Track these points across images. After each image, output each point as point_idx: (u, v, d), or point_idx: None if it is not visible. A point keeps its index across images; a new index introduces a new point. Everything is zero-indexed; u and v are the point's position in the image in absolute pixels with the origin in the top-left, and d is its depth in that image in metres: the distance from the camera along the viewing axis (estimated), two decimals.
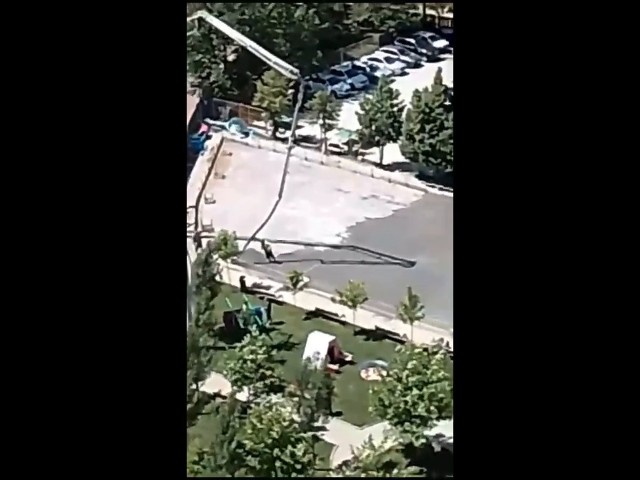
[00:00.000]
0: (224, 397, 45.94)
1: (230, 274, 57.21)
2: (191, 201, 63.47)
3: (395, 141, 70.71)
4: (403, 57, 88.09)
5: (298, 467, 41.01)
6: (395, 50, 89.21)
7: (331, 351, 50.81)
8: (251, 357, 46.71)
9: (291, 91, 72.57)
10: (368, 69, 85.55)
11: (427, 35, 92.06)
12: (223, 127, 75.96)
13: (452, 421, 45.00)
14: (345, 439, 44.62)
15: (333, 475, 41.79)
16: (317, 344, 50.55)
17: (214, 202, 66.82)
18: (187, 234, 55.53)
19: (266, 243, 60.53)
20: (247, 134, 75.44)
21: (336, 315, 54.49)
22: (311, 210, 66.15)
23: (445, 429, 44.73)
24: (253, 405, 44.92)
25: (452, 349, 50.66)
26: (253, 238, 60.15)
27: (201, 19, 69.30)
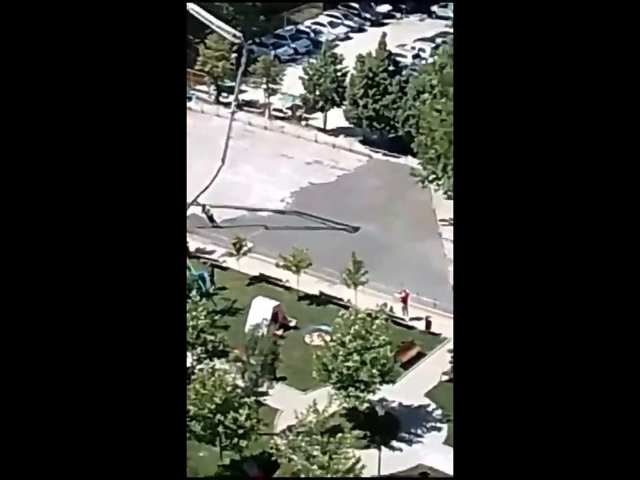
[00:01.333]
0: None
1: None
2: None
3: (338, 106, 70.65)
4: (346, 22, 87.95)
5: (241, 432, 41.09)
6: (338, 14, 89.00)
7: (275, 316, 50.82)
8: (192, 322, 46.53)
9: (234, 55, 72.10)
10: (312, 34, 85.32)
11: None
12: None
13: (394, 385, 45.66)
14: (289, 404, 44.75)
15: (279, 441, 41.88)
16: (261, 309, 50.55)
17: None
18: None
19: (207, 207, 60.25)
20: (189, 98, 74.79)
21: (280, 280, 54.51)
22: (255, 175, 65.94)
23: (388, 393, 45.10)
24: (196, 371, 44.81)
25: (394, 314, 51.16)
26: (194, 202, 59.77)
27: None
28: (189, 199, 59.82)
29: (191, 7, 62.68)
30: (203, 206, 60.17)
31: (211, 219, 60.29)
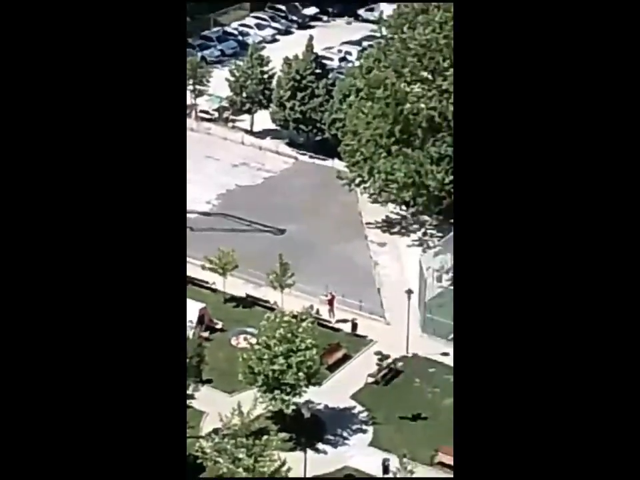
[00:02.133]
0: None
1: None
2: None
3: (265, 108, 70.65)
4: (273, 24, 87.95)
5: None
6: (265, 16, 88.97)
7: (201, 318, 50.71)
8: None
9: None
10: (238, 35, 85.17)
11: (298, 2, 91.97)
12: None
13: (320, 387, 45.81)
14: (215, 407, 44.64)
15: (205, 444, 41.77)
16: (187, 312, 50.33)
17: None
18: None
19: None
20: None
21: (206, 282, 54.35)
22: None
23: (314, 395, 45.21)
24: None
25: (321, 316, 51.31)
26: None
27: None
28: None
29: None
30: None
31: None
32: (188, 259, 55.84)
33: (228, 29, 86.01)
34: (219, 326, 51.57)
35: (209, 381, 47.16)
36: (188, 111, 72.82)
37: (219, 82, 72.58)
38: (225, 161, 68.12)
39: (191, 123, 71.68)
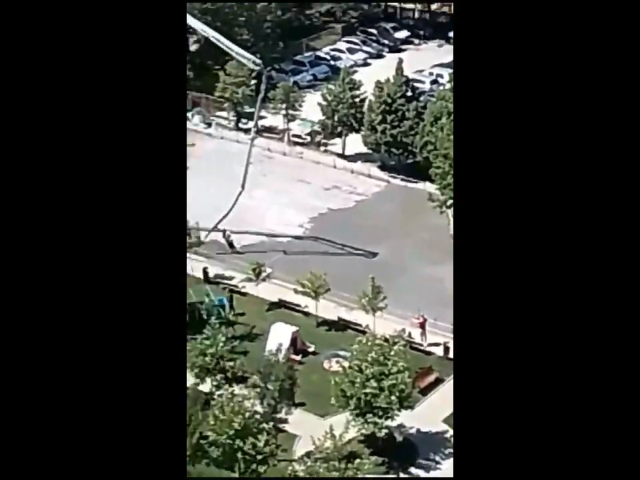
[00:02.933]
0: (187, 389, 46.02)
1: (192, 265, 57.25)
2: None
3: (357, 131, 70.95)
4: (365, 48, 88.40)
5: (260, 457, 41.20)
6: (357, 40, 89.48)
7: (293, 341, 51.03)
8: (211, 349, 46.84)
9: (253, 81, 72.63)
10: (330, 60, 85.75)
11: (389, 25, 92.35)
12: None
13: (413, 411, 45.74)
14: (307, 430, 44.85)
15: (297, 467, 41.99)
16: (279, 335, 50.75)
17: None
18: None
19: (227, 233, 60.61)
20: (209, 124, 75.43)
21: (299, 305, 54.70)
22: (274, 201, 66.29)
23: (406, 419, 45.16)
24: (215, 397, 45.03)
25: (413, 339, 51.27)
26: (215, 229, 60.22)
27: None
28: (209, 225, 60.29)
29: (212, 34, 63.38)
30: (224, 231, 60.56)
31: (230, 244, 60.64)
32: (281, 282, 56.67)
33: (320, 54, 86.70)
34: (312, 349, 51.84)
35: (301, 404, 47.41)
36: (280, 135, 73.63)
37: (311, 106, 73.19)
38: (316, 185, 68.59)
39: (283, 147, 72.43)
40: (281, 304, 55.28)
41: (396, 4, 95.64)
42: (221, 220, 60.16)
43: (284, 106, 72.92)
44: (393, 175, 68.82)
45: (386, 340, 45.11)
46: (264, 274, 56.02)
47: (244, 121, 74.78)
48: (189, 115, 75.73)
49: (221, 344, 47.31)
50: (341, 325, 53.60)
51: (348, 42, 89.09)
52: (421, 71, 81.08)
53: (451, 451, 45.41)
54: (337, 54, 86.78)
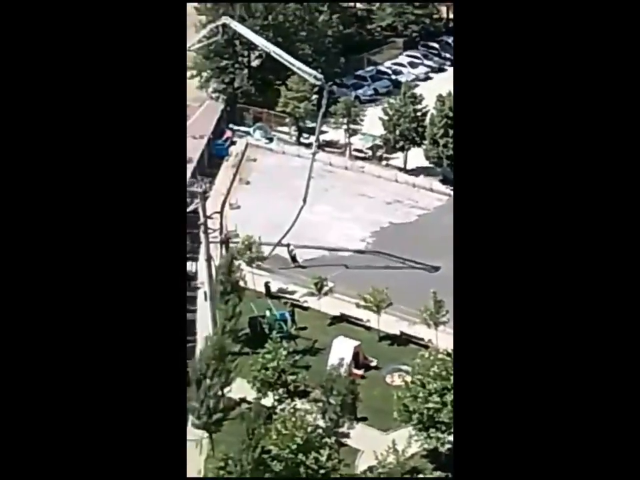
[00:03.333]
0: (249, 403, 46.11)
1: (255, 279, 57.37)
2: (215, 206, 63.72)
3: (418, 145, 70.72)
4: (426, 62, 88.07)
5: (322, 472, 41.10)
6: (418, 55, 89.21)
7: (355, 356, 50.88)
8: (273, 363, 46.85)
9: (314, 96, 72.70)
10: (392, 74, 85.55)
11: (450, 39, 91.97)
12: (247, 133, 76.17)
13: None
14: (370, 444, 44.65)
15: None
16: (341, 349, 50.62)
17: (238, 207, 67.06)
18: (212, 240, 55.72)
19: (291, 247, 60.69)
20: (271, 139, 75.63)
21: (360, 320, 54.55)
22: (335, 215, 66.25)
23: None
24: (277, 411, 45.01)
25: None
26: (279, 243, 60.33)
27: (224, 25, 69.59)
28: (271, 239, 60.39)
29: (273, 50, 63.62)
30: (287, 245, 60.60)
31: (294, 258, 60.69)
32: (343, 296, 56.57)
33: (381, 68, 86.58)
34: (374, 364, 51.63)
35: (363, 419, 47.21)
36: (342, 150, 73.61)
37: (373, 120, 73.10)
38: (378, 199, 68.44)
39: (345, 161, 72.39)
40: (343, 318, 55.17)
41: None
42: (284, 235, 60.27)
43: (345, 120, 72.92)
44: None
45: (448, 354, 44.75)
46: (326, 288, 55.98)
47: (305, 135, 74.90)
48: (250, 130, 76.04)
49: (283, 358, 47.31)
50: (403, 340, 53.35)
51: (409, 56, 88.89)
52: None
53: None
54: (399, 68, 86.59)
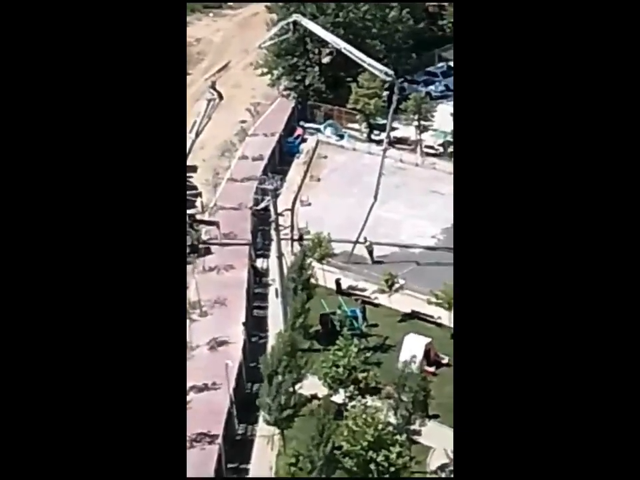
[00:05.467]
0: (320, 400, 46.15)
1: (325, 276, 57.42)
2: (286, 203, 63.90)
3: None
4: None
5: (392, 470, 41.01)
6: None
7: (427, 353, 50.67)
8: (344, 360, 46.83)
9: (385, 92, 72.53)
10: None
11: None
12: (318, 130, 76.26)
13: None
14: (441, 442, 44.42)
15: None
16: (413, 346, 50.44)
17: (309, 204, 67.17)
18: (283, 237, 55.86)
19: (369, 242, 60.57)
20: (341, 136, 75.63)
21: (432, 317, 54.31)
22: (406, 212, 66.04)
23: None
24: (348, 408, 45.00)
25: None
26: (357, 241, 60.27)
27: (295, 23, 69.68)
28: (342, 236, 60.39)
29: (344, 46, 63.60)
30: (365, 240, 60.50)
31: (371, 254, 60.65)
32: (414, 293, 56.34)
33: (452, 64, 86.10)
34: (445, 361, 51.34)
35: (435, 416, 46.97)
36: (413, 147, 73.34)
37: (444, 117, 72.68)
38: (450, 196, 67.80)
39: (416, 158, 72.11)
40: (414, 315, 54.98)
41: None
42: (360, 232, 60.15)
43: (416, 117, 72.63)
44: None
45: None
46: (397, 285, 55.81)
47: (376, 132, 74.77)
48: (321, 127, 76.07)
49: (354, 355, 47.28)
50: None
51: None
52: None
53: None
54: None
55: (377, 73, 64.36)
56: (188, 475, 31.25)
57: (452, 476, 40.76)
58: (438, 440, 45.20)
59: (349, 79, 76.12)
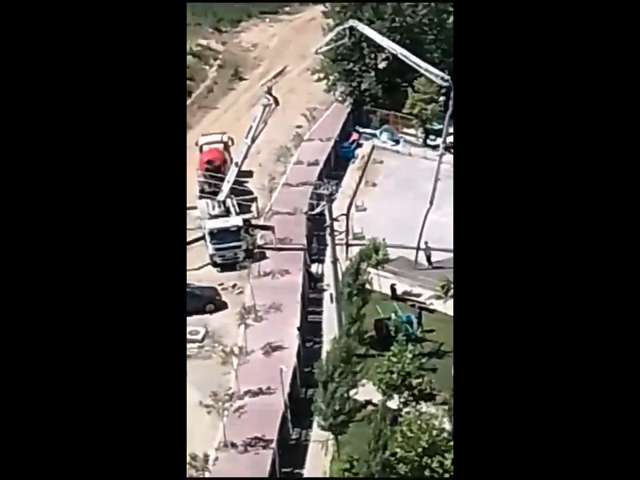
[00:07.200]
0: (375, 405, 46.04)
1: (380, 281, 57.31)
2: (342, 208, 63.89)
3: None
4: None
5: (447, 476, 40.80)
6: None
7: None
8: (398, 366, 46.68)
9: (442, 97, 72.32)
10: None
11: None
12: (374, 135, 76.22)
13: None
14: None
15: None
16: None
17: (365, 210, 67.11)
18: (338, 242, 55.85)
19: (427, 245, 60.32)
20: (397, 142, 75.53)
21: None
22: None
23: None
24: (403, 414, 44.85)
25: None
26: (418, 247, 60.06)
27: (352, 28, 69.75)
28: (397, 242, 60.25)
29: (400, 52, 63.49)
30: (426, 244, 60.27)
31: (429, 259, 60.42)
32: None
33: None
34: None
35: None
36: None
37: None
38: None
39: None
40: None
41: None
42: (419, 239, 59.93)
43: None
44: None
45: None
46: (452, 291, 55.53)
47: (432, 137, 74.56)
48: (377, 132, 76.00)
49: (408, 361, 47.11)
50: None
51: None
52: None
53: None
54: None
55: (433, 78, 64.13)
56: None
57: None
58: None
59: (405, 84, 76.01)
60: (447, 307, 55.49)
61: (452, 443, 41.64)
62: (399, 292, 57.54)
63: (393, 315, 54.16)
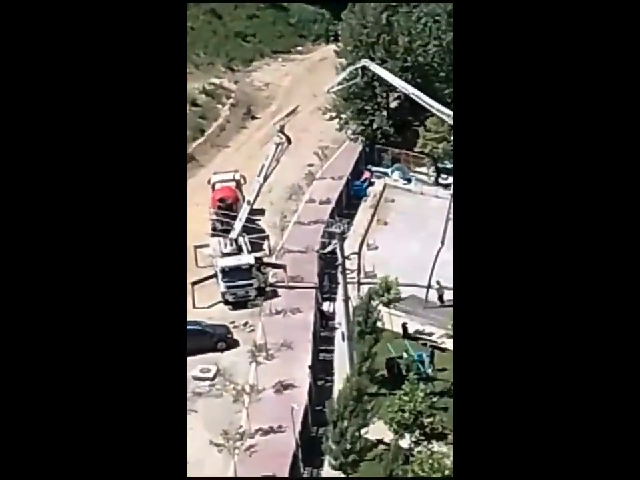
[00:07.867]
0: (386, 444, 45.90)
1: (392, 320, 57.26)
2: (353, 247, 63.96)
3: None
4: None
5: None
6: None
7: None
8: (410, 405, 46.56)
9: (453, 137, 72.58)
10: None
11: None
12: (385, 174, 76.41)
13: None
14: None
15: None
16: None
17: (376, 248, 67.15)
18: (349, 280, 55.87)
19: (440, 284, 60.22)
20: (409, 180, 75.70)
21: None
22: None
23: None
24: (414, 453, 44.70)
25: None
26: (429, 286, 60.01)
27: (364, 68, 70.17)
28: (408, 280, 60.22)
29: (411, 91, 63.86)
30: (437, 282, 60.17)
31: (441, 298, 60.33)
32: None
33: None
34: None
35: None
36: None
37: None
38: None
39: None
40: None
41: None
42: (430, 278, 59.88)
43: None
44: None
45: None
46: None
47: (444, 176, 74.66)
48: (388, 170, 76.23)
49: (420, 400, 46.99)
50: None
51: None
52: None
53: None
54: None
55: (444, 117, 64.50)
56: None
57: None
58: None
59: (416, 123, 76.31)
60: None
61: None
62: (410, 330, 57.44)
63: (404, 354, 54.07)
